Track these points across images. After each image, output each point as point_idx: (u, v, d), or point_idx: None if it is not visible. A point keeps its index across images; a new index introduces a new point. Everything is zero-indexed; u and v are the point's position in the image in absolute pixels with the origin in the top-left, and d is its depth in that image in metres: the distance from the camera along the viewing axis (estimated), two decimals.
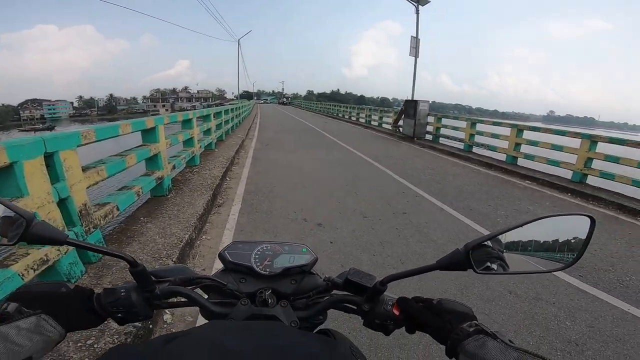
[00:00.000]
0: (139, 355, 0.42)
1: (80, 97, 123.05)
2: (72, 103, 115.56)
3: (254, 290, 0.67)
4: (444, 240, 3.66)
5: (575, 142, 6.93)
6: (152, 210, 3.89)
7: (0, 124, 74.26)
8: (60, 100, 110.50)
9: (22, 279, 1.98)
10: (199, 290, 0.67)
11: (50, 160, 2.34)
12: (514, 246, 0.57)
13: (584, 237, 0.56)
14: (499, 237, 0.56)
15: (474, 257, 0.56)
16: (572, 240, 0.57)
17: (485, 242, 0.56)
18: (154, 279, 0.61)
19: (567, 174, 6.97)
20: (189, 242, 3.18)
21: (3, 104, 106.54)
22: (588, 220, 0.56)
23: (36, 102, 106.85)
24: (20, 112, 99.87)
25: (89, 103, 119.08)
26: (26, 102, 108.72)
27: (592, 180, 6.67)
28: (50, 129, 57.42)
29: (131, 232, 3.29)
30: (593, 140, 6.62)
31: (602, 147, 6.67)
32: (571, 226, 0.57)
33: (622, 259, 3.47)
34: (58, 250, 2.26)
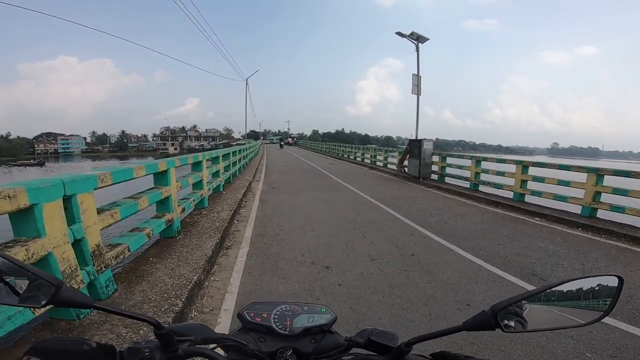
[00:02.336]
0: None
1: (94, 132, 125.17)
2: (85, 138, 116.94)
3: (274, 349, 0.68)
4: (454, 280, 3.59)
5: (581, 176, 6.95)
6: (162, 251, 3.92)
7: (14, 157, 75.04)
8: (74, 135, 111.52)
9: (33, 313, 1.99)
10: (219, 350, 0.68)
11: (68, 202, 2.43)
12: (539, 302, 0.60)
13: (612, 295, 0.59)
14: (525, 299, 0.60)
15: (501, 316, 0.58)
16: (600, 299, 0.60)
17: (510, 305, 0.59)
18: (175, 338, 0.61)
19: (577, 208, 6.92)
20: (197, 283, 3.18)
21: (19, 137, 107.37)
22: (616, 279, 0.59)
23: (51, 136, 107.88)
24: (35, 146, 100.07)
25: (102, 139, 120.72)
26: (41, 135, 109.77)
27: (602, 213, 6.62)
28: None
29: (140, 272, 3.32)
30: (599, 174, 6.63)
31: (609, 180, 6.66)
32: (600, 285, 0.60)
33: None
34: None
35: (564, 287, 0.59)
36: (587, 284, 0.60)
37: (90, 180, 2.65)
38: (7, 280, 0.53)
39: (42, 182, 2.20)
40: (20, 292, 0.53)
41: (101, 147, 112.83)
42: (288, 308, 0.76)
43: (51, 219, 2.21)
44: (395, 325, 2.68)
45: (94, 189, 2.70)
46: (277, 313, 0.74)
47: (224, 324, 2.67)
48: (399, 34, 13.26)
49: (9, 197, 1.91)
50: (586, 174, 6.85)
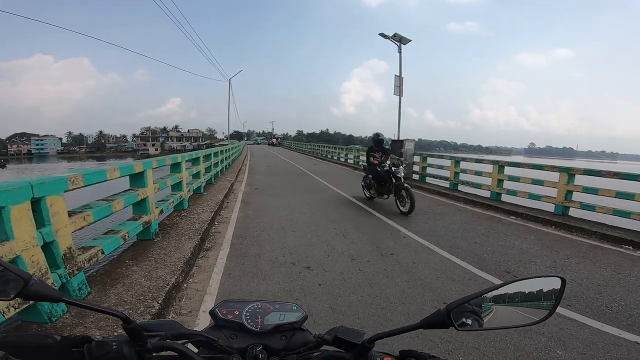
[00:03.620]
0: None
1: (70, 132, 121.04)
2: (60, 139, 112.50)
3: (245, 346, 0.68)
4: (432, 279, 3.66)
5: (555, 176, 7.18)
6: (139, 253, 3.84)
7: None
8: (48, 136, 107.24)
9: (3, 316, 1.94)
10: (190, 346, 0.68)
11: (37, 205, 2.36)
12: (492, 302, 0.64)
13: (556, 295, 0.62)
14: (478, 297, 0.63)
15: (455, 316, 0.62)
16: (546, 299, 0.63)
17: (465, 303, 0.62)
18: (145, 333, 0.61)
19: (550, 207, 7.16)
20: (175, 285, 3.13)
21: None
22: (559, 280, 0.63)
23: (24, 137, 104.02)
24: (8, 147, 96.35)
25: (78, 139, 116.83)
26: (14, 135, 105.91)
27: (574, 212, 6.87)
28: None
29: (116, 274, 3.25)
30: (570, 174, 6.89)
31: (580, 180, 6.92)
32: (545, 285, 0.63)
33: (609, 286, 3.55)
34: None
35: (514, 287, 0.63)
36: (534, 284, 0.64)
37: (60, 182, 2.58)
38: None
39: (9, 185, 2.14)
40: None
41: (78, 148, 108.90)
42: (260, 306, 0.77)
43: (19, 222, 2.15)
44: (374, 324, 2.72)
45: (65, 191, 2.62)
46: (249, 311, 0.75)
47: (202, 326, 2.64)
48: (382, 35, 13.43)
49: None
50: (558, 173, 7.11)
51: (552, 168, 7.49)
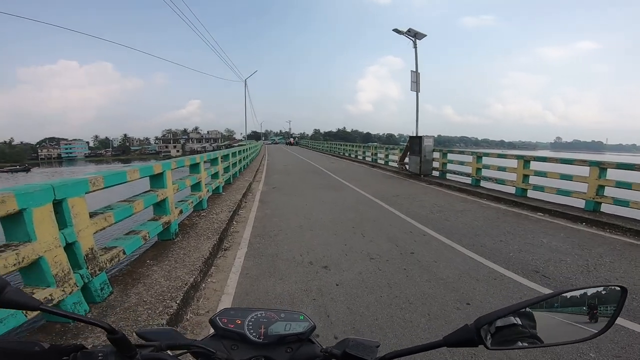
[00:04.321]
0: None
1: (96, 136, 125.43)
2: (87, 142, 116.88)
3: (245, 358, 0.65)
4: (454, 279, 3.54)
5: (584, 170, 6.86)
6: (159, 253, 3.90)
7: (17, 163, 74.74)
8: (76, 140, 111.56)
9: (25, 316, 1.99)
10: (188, 357, 0.64)
11: (58, 206, 2.41)
12: (533, 316, 0.55)
13: (614, 306, 0.54)
14: (516, 311, 0.54)
15: (486, 332, 0.54)
16: (602, 311, 0.55)
17: (500, 318, 0.54)
18: (138, 341, 0.58)
19: (580, 203, 6.84)
20: (193, 285, 3.16)
21: (22, 142, 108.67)
22: (619, 290, 0.55)
23: (54, 141, 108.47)
24: (39, 151, 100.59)
25: (104, 143, 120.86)
26: (44, 140, 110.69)
27: (606, 207, 6.52)
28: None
29: (137, 274, 3.31)
30: (602, 167, 6.53)
31: (613, 174, 6.57)
32: (600, 295, 0.55)
33: None
34: (62, 290, 2.29)
35: (560, 299, 0.54)
36: (587, 294, 0.55)
37: (81, 184, 2.63)
38: None
39: (31, 187, 2.19)
40: None
41: (104, 151, 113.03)
42: (263, 315, 0.72)
43: (41, 224, 2.20)
44: (393, 326, 2.64)
45: (86, 193, 2.68)
46: (252, 320, 0.71)
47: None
48: (396, 30, 13.19)
49: None
50: (588, 167, 6.76)
51: (582, 162, 7.12)
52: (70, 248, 2.49)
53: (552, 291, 0.56)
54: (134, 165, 4.03)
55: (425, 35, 13.29)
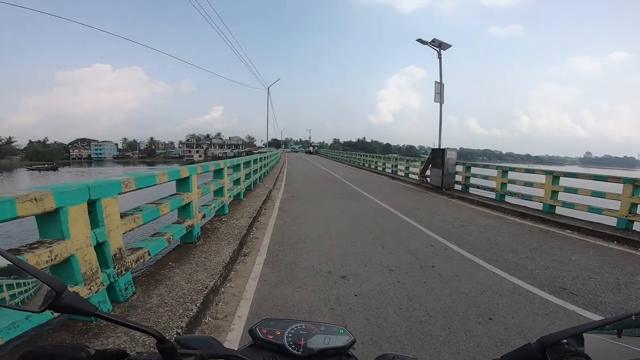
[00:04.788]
0: None
1: (125, 138, 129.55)
2: (116, 144, 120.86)
3: None
4: (476, 293, 3.44)
5: (618, 188, 6.60)
6: (181, 256, 3.99)
7: (50, 161, 77.69)
8: (106, 142, 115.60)
9: (52, 313, 2.05)
10: None
11: (92, 206, 2.52)
12: (608, 337, 0.50)
13: None
14: (586, 331, 0.49)
15: (553, 353, 0.49)
16: None
17: (568, 338, 0.50)
18: (179, 350, 0.59)
19: (612, 221, 6.58)
20: (213, 289, 3.21)
21: (55, 142, 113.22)
22: None
23: (85, 142, 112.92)
24: (70, 151, 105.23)
25: (132, 145, 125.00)
26: (76, 141, 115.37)
27: (639, 226, 6.25)
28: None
29: (159, 275, 3.39)
30: (636, 185, 6.25)
31: None
32: None
33: None
34: (89, 289, 2.35)
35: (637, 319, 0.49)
36: None
37: (114, 185, 2.75)
38: (7, 281, 0.51)
39: (69, 186, 2.29)
40: (20, 294, 0.52)
41: (131, 153, 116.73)
42: (303, 327, 0.72)
43: (75, 222, 2.30)
44: (412, 338, 2.59)
45: (118, 194, 2.79)
46: (292, 331, 0.70)
47: (236, 332, 2.67)
48: (420, 41, 13.15)
49: (36, 199, 2.00)
50: (622, 184, 6.49)
51: (616, 179, 6.82)
52: (100, 247, 2.57)
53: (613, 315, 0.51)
54: (162, 168, 4.17)
55: (450, 46, 13.17)
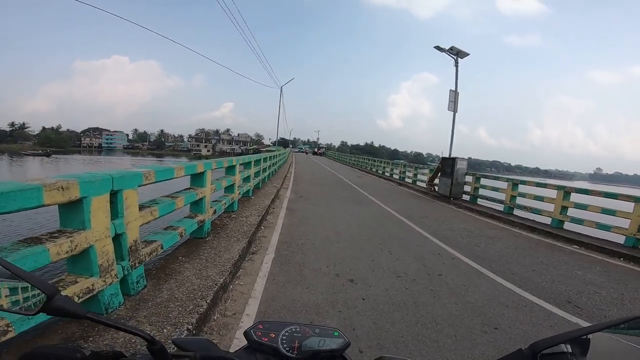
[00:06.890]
0: None
1: (136, 130, 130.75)
2: (127, 135, 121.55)
3: None
4: (482, 303, 3.46)
5: (629, 206, 6.63)
6: (191, 251, 4.04)
7: (62, 148, 78.26)
8: (118, 132, 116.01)
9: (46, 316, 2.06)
10: None
11: (114, 197, 2.54)
12: (601, 342, 0.49)
13: None
14: (580, 337, 0.48)
15: (543, 359, 0.49)
16: None
17: (561, 345, 0.49)
18: (174, 351, 0.59)
19: (619, 238, 6.63)
20: (223, 285, 3.24)
21: (68, 129, 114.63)
22: None
23: (97, 131, 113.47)
24: (82, 139, 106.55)
25: (142, 137, 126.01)
26: (88, 129, 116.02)
27: None
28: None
29: (170, 270, 3.42)
30: None
31: None
32: None
33: None
34: (104, 281, 2.35)
35: (630, 324, 0.51)
36: None
37: (136, 177, 2.78)
38: (3, 285, 0.52)
39: (93, 176, 2.30)
40: (13, 297, 0.53)
41: (141, 144, 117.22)
42: (298, 329, 0.72)
43: (97, 213, 2.30)
44: (418, 344, 2.61)
45: (138, 186, 2.82)
46: (286, 334, 0.70)
47: (244, 329, 2.69)
48: (438, 48, 13.09)
49: (62, 188, 2.01)
50: (633, 203, 6.50)
51: (627, 198, 6.79)
52: (117, 239, 2.57)
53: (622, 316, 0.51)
54: (178, 162, 4.21)
55: (468, 54, 13.10)
